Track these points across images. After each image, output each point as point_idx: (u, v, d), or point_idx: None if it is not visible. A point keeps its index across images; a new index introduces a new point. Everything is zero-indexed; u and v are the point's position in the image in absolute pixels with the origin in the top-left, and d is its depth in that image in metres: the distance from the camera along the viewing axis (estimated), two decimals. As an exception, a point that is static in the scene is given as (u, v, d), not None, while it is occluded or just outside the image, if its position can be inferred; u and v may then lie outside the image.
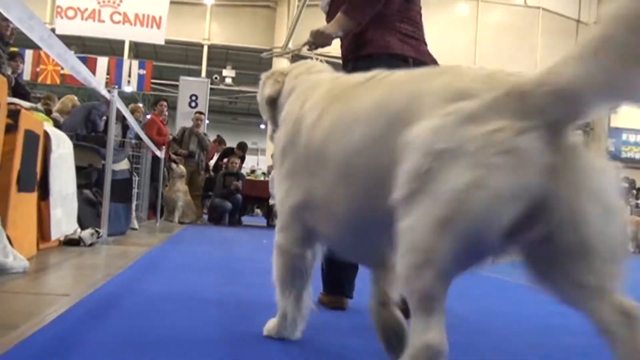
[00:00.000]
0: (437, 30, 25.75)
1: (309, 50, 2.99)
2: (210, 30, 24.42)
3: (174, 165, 10.16)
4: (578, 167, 1.21)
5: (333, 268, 2.50)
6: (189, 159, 10.95)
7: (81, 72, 4.13)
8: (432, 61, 2.85)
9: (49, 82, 19.67)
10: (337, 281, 2.59)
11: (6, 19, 5.33)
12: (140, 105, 10.90)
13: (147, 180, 8.90)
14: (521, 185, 1.16)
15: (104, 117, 8.47)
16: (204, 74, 23.27)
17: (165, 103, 10.67)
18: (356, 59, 2.74)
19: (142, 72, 20.74)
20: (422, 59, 2.74)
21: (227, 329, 1.95)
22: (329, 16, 2.89)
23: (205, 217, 11.83)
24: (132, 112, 10.22)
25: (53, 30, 3.47)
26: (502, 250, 1.33)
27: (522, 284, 3.99)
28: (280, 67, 2.19)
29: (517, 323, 2.46)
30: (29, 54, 16.97)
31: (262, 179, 12.36)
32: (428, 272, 1.21)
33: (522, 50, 26.38)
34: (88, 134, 7.65)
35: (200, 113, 11.95)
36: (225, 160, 11.86)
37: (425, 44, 2.94)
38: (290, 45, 22.88)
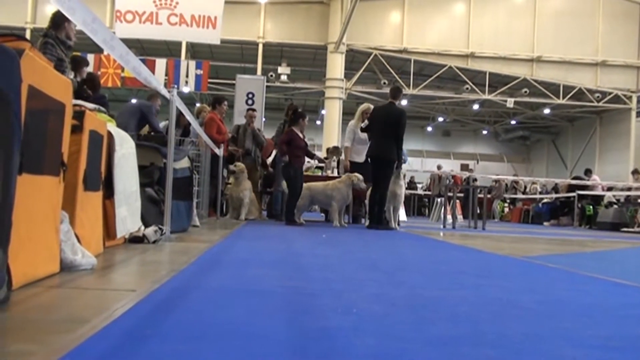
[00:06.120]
0: (495, 20, 25.34)
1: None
2: (264, 28, 24.61)
3: (232, 166, 10.16)
4: None
5: None
6: (246, 156, 11.05)
7: (142, 72, 4.21)
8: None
9: (110, 84, 20.26)
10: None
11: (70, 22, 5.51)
12: (207, 105, 11.06)
13: (207, 178, 9.04)
14: None
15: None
16: (259, 71, 23.51)
17: (226, 102, 10.81)
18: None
19: (199, 72, 21.08)
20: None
21: (291, 322, 1.95)
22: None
23: (264, 213, 11.92)
24: (199, 112, 10.39)
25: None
26: None
27: (590, 276, 3.88)
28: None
29: (587, 315, 2.38)
30: (90, 57, 17.49)
31: (319, 173, 12.37)
32: None
33: (583, 36, 25.61)
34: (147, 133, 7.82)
35: (253, 110, 12.00)
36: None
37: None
38: (344, 39, 22.86)
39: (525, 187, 23.77)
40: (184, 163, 6.62)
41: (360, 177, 9.60)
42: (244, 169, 10.15)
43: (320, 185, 9.75)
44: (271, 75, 24.42)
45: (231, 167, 10.16)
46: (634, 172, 18.90)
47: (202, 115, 10.28)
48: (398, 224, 9.97)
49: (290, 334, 1.78)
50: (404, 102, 26.19)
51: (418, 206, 25.33)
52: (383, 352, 1.62)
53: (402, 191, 9.90)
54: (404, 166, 13.19)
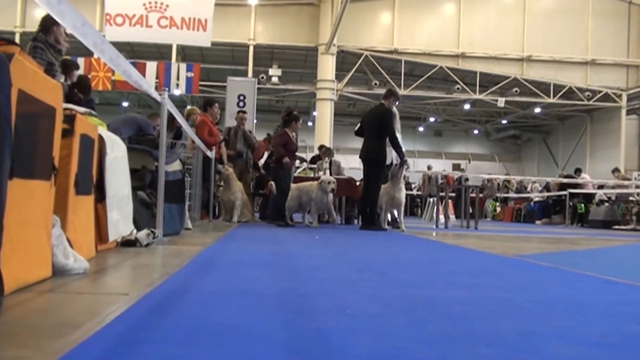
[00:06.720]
0: (485, 20, 25.44)
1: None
2: (255, 30, 24.60)
3: (220, 167, 10.11)
4: None
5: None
6: (237, 158, 11.02)
7: (133, 75, 4.19)
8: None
9: (100, 88, 20.19)
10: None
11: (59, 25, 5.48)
12: (197, 108, 11.03)
13: (198, 180, 9.01)
14: None
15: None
16: (250, 73, 23.48)
17: (217, 105, 10.80)
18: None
19: (190, 74, 21.04)
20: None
21: (285, 323, 1.95)
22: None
23: (257, 215, 11.89)
24: (189, 115, 10.35)
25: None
26: None
27: (583, 274, 3.89)
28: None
29: (581, 312, 2.39)
30: (80, 61, 17.44)
31: (312, 174, 12.35)
32: None
33: (573, 35, 25.75)
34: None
35: (243, 112, 11.97)
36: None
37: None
38: (335, 40, 22.87)
39: (526, 187, 23.81)
40: (176, 166, 6.60)
41: (326, 179, 9.52)
42: (231, 171, 10.12)
43: (307, 185, 9.79)
44: (262, 77, 24.40)
45: (219, 167, 10.13)
46: (615, 170, 19.00)
47: (193, 118, 10.24)
48: (388, 224, 9.88)
49: (286, 335, 1.78)
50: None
51: (411, 206, 25.34)
52: (378, 351, 1.61)
53: (402, 194, 9.43)
54: None
